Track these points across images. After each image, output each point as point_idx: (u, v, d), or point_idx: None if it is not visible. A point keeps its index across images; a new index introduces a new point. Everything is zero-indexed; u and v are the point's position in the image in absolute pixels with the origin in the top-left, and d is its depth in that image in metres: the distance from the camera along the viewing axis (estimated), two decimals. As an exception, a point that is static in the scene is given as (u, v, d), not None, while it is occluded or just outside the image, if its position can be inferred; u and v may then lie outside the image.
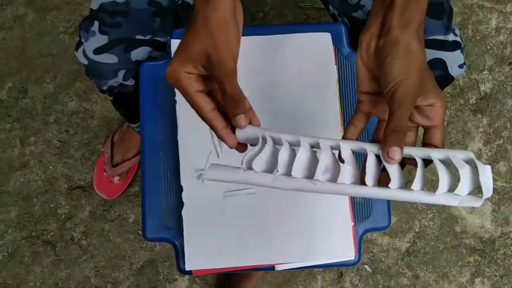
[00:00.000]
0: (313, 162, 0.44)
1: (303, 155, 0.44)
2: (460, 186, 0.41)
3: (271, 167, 0.45)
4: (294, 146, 0.45)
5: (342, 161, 0.45)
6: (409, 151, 0.43)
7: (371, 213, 0.68)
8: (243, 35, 0.48)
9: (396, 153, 0.41)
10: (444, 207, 1.25)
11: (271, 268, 0.66)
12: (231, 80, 0.44)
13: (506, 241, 1.24)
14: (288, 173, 0.44)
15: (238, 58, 0.46)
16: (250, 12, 1.31)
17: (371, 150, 0.44)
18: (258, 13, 1.32)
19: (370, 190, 0.43)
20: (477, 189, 0.42)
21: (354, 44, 0.72)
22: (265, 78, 0.69)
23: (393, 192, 0.42)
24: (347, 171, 0.43)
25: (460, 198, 0.41)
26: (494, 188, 1.25)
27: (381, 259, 1.23)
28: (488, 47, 1.32)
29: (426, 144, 0.46)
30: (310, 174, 0.44)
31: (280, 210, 0.67)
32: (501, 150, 1.27)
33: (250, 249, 0.66)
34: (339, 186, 0.43)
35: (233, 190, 0.67)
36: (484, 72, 1.31)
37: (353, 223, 0.67)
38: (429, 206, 1.24)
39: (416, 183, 0.42)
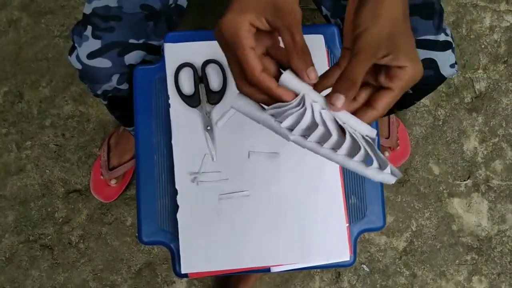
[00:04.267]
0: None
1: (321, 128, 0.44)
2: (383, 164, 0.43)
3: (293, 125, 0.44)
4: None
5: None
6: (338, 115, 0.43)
7: (366, 213, 0.68)
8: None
9: (339, 100, 0.40)
10: (441, 206, 1.25)
11: (267, 270, 0.67)
12: (300, 30, 0.41)
13: (503, 239, 1.24)
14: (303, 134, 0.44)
15: None
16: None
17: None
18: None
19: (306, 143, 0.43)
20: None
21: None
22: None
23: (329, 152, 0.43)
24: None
25: (386, 175, 0.43)
26: (490, 186, 1.26)
27: (378, 259, 1.23)
28: (483, 46, 1.32)
29: (367, 103, 0.44)
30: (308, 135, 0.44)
31: (275, 212, 0.67)
32: (496, 149, 1.28)
33: (245, 251, 0.66)
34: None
35: (228, 192, 0.67)
36: (479, 71, 1.31)
37: (347, 224, 0.67)
38: (426, 205, 1.25)
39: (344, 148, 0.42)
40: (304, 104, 0.43)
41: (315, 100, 0.43)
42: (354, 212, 0.68)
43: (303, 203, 0.67)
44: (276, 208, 0.67)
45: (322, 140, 0.43)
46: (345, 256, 0.66)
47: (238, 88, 0.44)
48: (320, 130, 0.43)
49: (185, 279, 1.21)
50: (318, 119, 0.43)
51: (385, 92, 0.43)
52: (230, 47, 0.42)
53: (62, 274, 1.21)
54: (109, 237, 1.23)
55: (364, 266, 1.23)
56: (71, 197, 1.25)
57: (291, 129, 0.44)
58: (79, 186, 1.25)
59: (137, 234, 1.21)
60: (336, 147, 0.43)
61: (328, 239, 0.66)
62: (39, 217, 1.24)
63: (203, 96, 0.69)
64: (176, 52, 0.69)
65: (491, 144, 1.28)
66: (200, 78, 0.69)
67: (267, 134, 0.68)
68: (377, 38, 0.40)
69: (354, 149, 0.43)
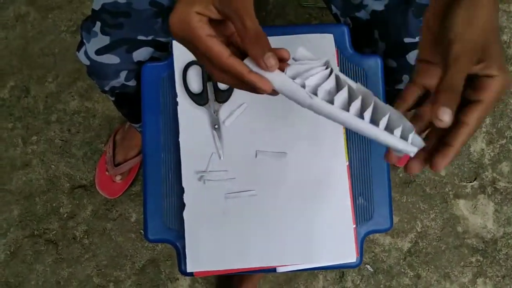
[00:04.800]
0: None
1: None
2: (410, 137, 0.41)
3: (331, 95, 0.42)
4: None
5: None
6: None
7: (373, 215, 0.68)
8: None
9: (446, 115, 0.35)
10: (446, 208, 1.24)
11: (273, 270, 0.66)
12: (251, 14, 0.39)
13: (509, 241, 1.23)
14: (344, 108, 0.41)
15: None
16: (252, 11, 1.31)
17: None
18: (260, 12, 1.32)
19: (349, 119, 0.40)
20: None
21: (356, 45, 0.71)
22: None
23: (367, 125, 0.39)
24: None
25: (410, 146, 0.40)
26: (497, 188, 1.25)
27: (382, 259, 1.23)
28: (492, 47, 1.31)
29: (458, 120, 0.39)
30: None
31: (281, 212, 0.66)
32: (504, 150, 1.27)
33: (252, 251, 0.66)
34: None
35: (234, 192, 0.67)
36: (487, 72, 1.30)
37: (354, 225, 0.66)
38: (432, 206, 1.24)
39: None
40: (329, 66, 0.41)
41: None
42: (361, 213, 0.68)
43: (310, 203, 0.67)
44: (282, 208, 0.67)
45: (344, 106, 0.40)
46: (351, 257, 0.66)
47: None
48: (345, 92, 0.40)
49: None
50: (343, 82, 0.41)
51: (475, 105, 0.38)
52: (188, 42, 0.40)
53: (66, 269, 1.22)
54: (114, 233, 1.23)
55: (368, 266, 1.22)
56: (76, 193, 1.25)
57: (312, 92, 0.40)
58: (84, 181, 1.25)
59: (142, 231, 1.21)
60: (358, 114, 0.40)
61: (335, 240, 0.66)
62: (44, 212, 1.24)
63: (211, 94, 0.68)
64: (185, 50, 0.69)
65: (498, 145, 1.27)
66: (209, 76, 0.69)
67: (275, 134, 0.67)
68: (474, 42, 0.36)
69: (377, 116, 0.40)
